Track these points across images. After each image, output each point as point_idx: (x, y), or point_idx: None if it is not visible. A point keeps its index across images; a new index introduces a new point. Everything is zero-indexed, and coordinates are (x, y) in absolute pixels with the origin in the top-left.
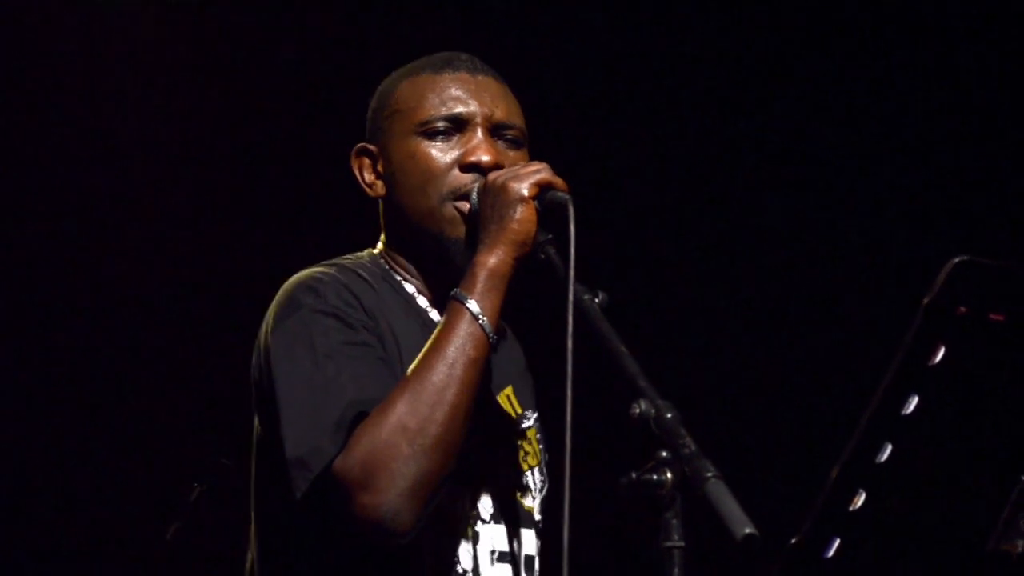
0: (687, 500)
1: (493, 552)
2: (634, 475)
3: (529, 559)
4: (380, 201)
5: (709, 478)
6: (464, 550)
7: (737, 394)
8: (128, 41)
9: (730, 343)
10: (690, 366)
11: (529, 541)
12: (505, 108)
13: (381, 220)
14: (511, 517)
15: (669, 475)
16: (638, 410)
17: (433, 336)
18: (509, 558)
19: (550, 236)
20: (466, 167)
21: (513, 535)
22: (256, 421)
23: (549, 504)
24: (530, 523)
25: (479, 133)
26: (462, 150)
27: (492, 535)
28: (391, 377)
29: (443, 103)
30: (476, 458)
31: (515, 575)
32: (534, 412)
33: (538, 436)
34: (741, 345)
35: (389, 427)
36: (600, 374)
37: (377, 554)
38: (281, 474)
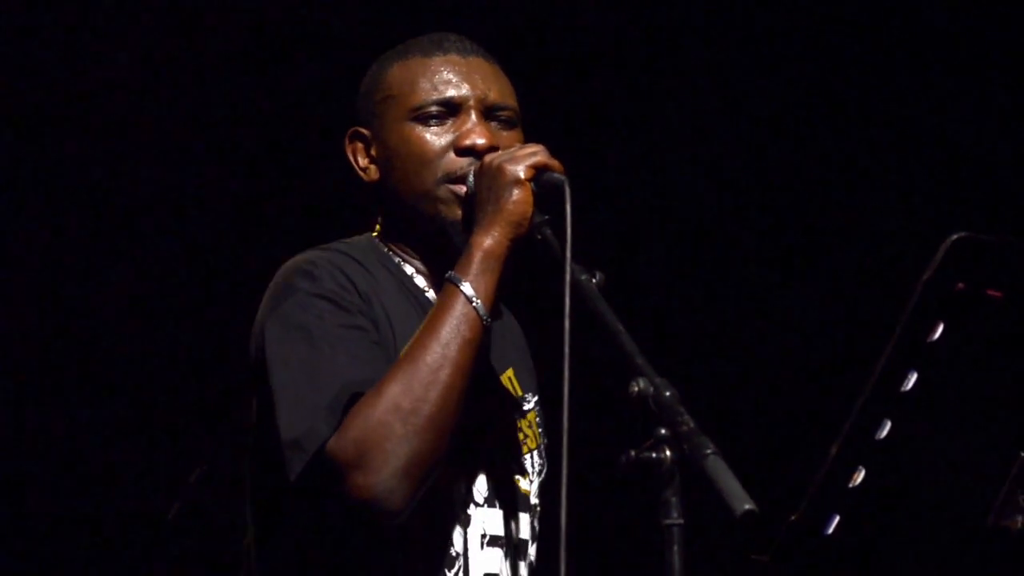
0: (686, 477)
1: (484, 536)
2: (633, 453)
3: (523, 543)
4: (375, 185)
5: (708, 455)
6: (457, 532)
7: (735, 371)
8: (125, 31)
9: (728, 321)
10: (688, 344)
11: (524, 525)
12: (498, 89)
13: (377, 204)
14: (507, 500)
15: (668, 453)
16: (636, 388)
17: (428, 317)
18: (501, 542)
19: (547, 217)
20: (461, 151)
21: (509, 518)
22: (253, 404)
23: (547, 487)
24: (526, 506)
25: (473, 116)
26: (456, 134)
27: (484, 518)
28: (385, 360)
29: (435, 87)
30: (474, 439)
31: (506, 559)
32: (534, 396)
33: (538, 420)
34: (739, 323)
35: (383, 407)
36: (598, 354)
37: (371, 536)
38: (277, 457)
